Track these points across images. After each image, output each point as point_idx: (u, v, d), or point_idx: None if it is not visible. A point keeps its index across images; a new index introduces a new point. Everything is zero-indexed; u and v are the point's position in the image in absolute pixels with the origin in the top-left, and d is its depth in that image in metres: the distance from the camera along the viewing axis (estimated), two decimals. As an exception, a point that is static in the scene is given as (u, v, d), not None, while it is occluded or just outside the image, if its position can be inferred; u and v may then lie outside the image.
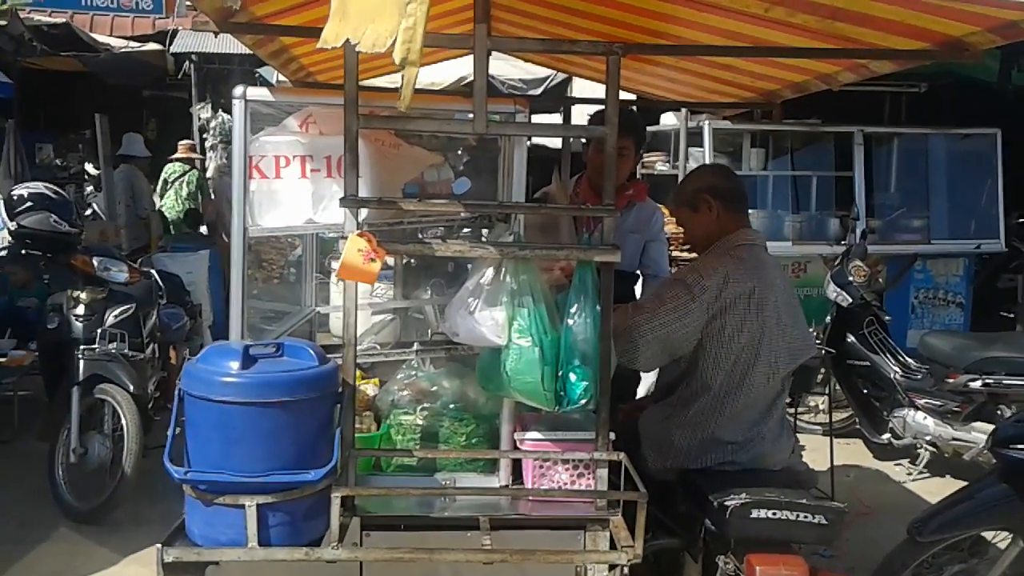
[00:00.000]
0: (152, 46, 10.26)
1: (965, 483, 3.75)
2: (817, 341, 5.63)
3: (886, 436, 5.84)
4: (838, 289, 5.95)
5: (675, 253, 6.59)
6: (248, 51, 3.60)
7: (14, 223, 5.74)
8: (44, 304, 5.30)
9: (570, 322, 2.62)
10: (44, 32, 8.38)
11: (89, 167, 11.39)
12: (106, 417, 4.85)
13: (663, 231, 4.39)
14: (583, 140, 4.41)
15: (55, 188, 5.95)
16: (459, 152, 4.22)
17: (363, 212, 2.63)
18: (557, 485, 2.82)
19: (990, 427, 5.00)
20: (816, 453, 5.13)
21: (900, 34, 2.68)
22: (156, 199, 9.99)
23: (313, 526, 2.51)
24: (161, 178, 10.03)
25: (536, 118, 5.48)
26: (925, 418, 5.56)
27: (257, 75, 9.48)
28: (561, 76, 8.10)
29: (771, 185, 7.86)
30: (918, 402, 5.59)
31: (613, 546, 2.63)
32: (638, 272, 4.27)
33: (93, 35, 9.51)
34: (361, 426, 2.91)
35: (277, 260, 7.65)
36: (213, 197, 10.02)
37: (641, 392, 4.37)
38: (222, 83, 10.57)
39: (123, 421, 4.71)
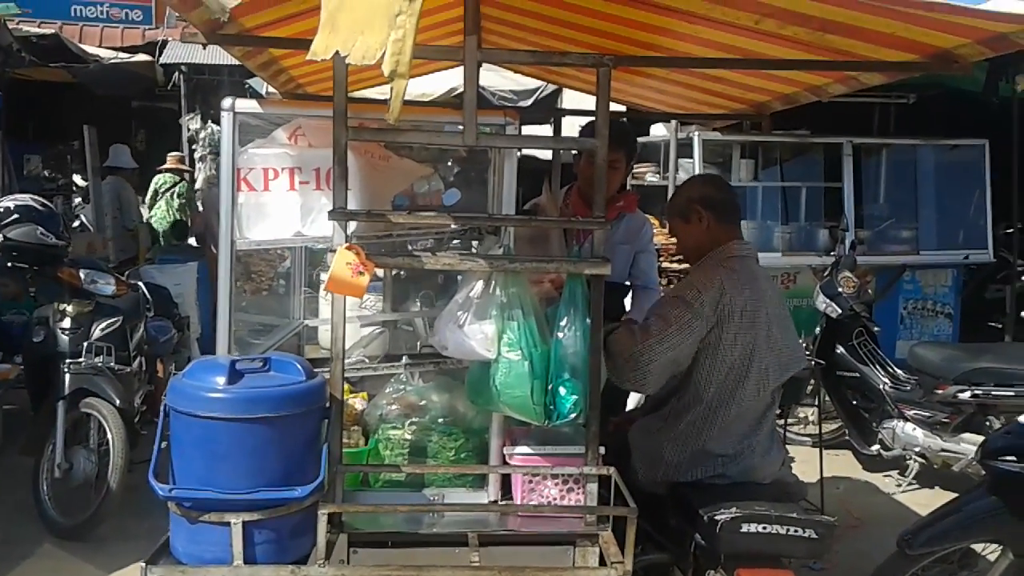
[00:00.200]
0: (141, 57, 10.22)
1: (954, 494, 3.74)
2: (806, 352, 5.63)
3: (875, 447, 5.85)
4: (827, 300, 5.96)
5: (665, 264, 6.58)
6: (238, 62, 3.58)
7: (0, 235, 5.69)
8: (31, 317, 5.26)
9: (560, 335, 2.61)
10: (32, 43, 8.33)
11: (77, 178, 11.34)
12: (92, 431, 4.80)
13: (653, 242, 4.39)
14: (574, 152, 4.41)
15: (42, 200, 5.90)
16: (449, 163, 4.20)
17: (352, 224, 2.62)
18: (547, 500, 2.80)
19: (979, 438, 5.01)
20: (806, 464, 5.11)
21: (890, 46, 2.69)
22: (144, 210, 9.94)
23: (300, 543, 2.49)
24: (151, 189, 9.99)
25: (526, 129, 5.48)
26: (914, 429, 5.56)
27: (247, 86, 9.45)
28: (552, 87, 8.11)
29: (760, 196, 7.87)
30: (907, 413, 5.59)
31: (603, 562, 2.61)
32: (628, 283, 4.26)
33: (82, 46, 9.47)
34: (349, 441, 2.89)
35: (266, 272, 7.60)
36: (201, 209, 9.98)
37: (631, 404, 4.35)
38: (212, 94, 10.55)
39: (109, 435, 4.67)
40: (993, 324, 8.29)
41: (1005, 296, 7.91)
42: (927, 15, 2.28)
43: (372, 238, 2.94)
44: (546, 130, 6.82)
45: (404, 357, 3.39)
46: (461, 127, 2.54)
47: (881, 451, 5.80)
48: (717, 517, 2.72)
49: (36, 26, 9.56)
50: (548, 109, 8.03)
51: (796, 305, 7.03)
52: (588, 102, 4.51)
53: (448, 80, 7.19)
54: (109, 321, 5.04)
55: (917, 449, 5.57)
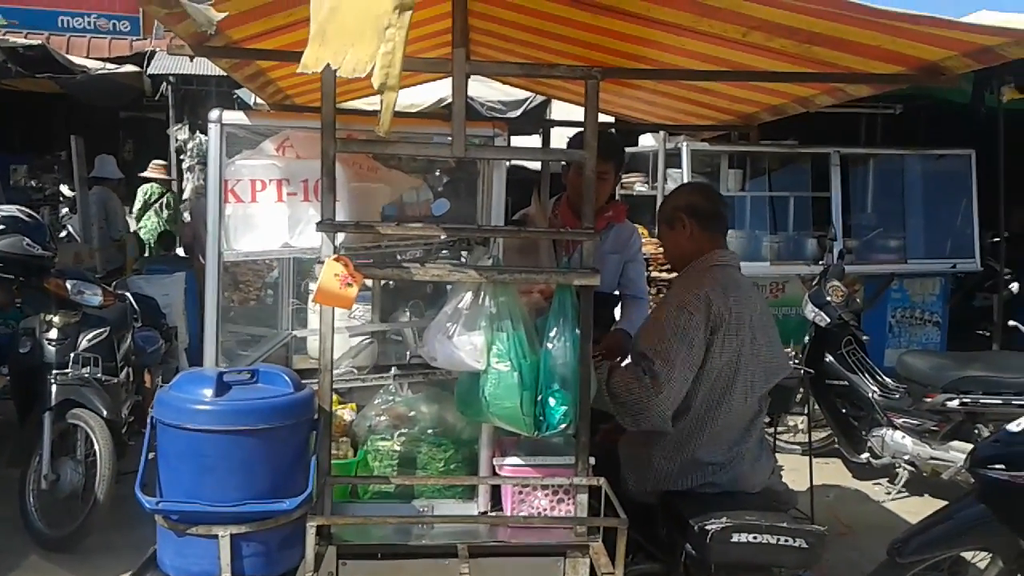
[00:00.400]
0: (129, 68, 10.18)
1: (944, 502, 3.76)
2: (796, 361, 5.65)
3: (865, 455, 5.86)
4: (816, 309, 5.98)
5: (655, 274, 6.60)
6: (226, 73, 3.58)
7: (-14, 246, 5.65)
8: (17, 328, 5.22)
9: (549, 346, 2.60)
10: (19, 54, 8.29)
11: (64, 188, 11.28)
12: (79, 443, 4.77)
13: (642, 252, 4.41)
14: (563, 162, 4.42)
15: (28, 211, 5.87)
16: (437, 173, 4.21)
17: (340, 236, 2.61)
18: (537, 511, 2.79)
19: (968, 446, 5.03)
20: (795, 473, 5.12)
21: (877, 58, 2.70)
22: (132, 221, 9.90)
23: (288, 556, 2.47)
24: (138, 199, 9.95)
25: (515, 140, 5.49)
26: (903, 437, 5.58)
27: (235, 96, 9.43)
28: (540, 98, 8.13)
29: (749, 206, 7.90)
30: (896, 421, 5.61)
31: (593, 573, 2.61)
32: (617, 293, 4.27)
33: (70, 57, 9.43)
34: (337, 452, 2.88)
35: (254, 282, 7.59)
36: (189, 219, 9.95)
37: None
38: (200, 104, 10.51)
39: (96, 447, 4.64)
40: (981, 332, 8.33)
41: (992, 304, 7.95)
42: (913, 28, 2.30)
43: (361, 249, 2.94)
44: (535, 141, 6.84)
45: (393, 368, 3.37)
46: (450, 138, 2.54)
47: (870, 459, 5.82)
48: (708, 527, 2.72)
49: (23, 37, 9.53)
50: (537, 120, 8.05)
51: (785, 314, 7.05)
52: (577, 113, 4.51)
53: (437, 91, 7.20)
54: (96, 332, 5.02)
55: (906, 457, 5.58)
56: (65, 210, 10.86)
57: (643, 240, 4.50)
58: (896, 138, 9.09)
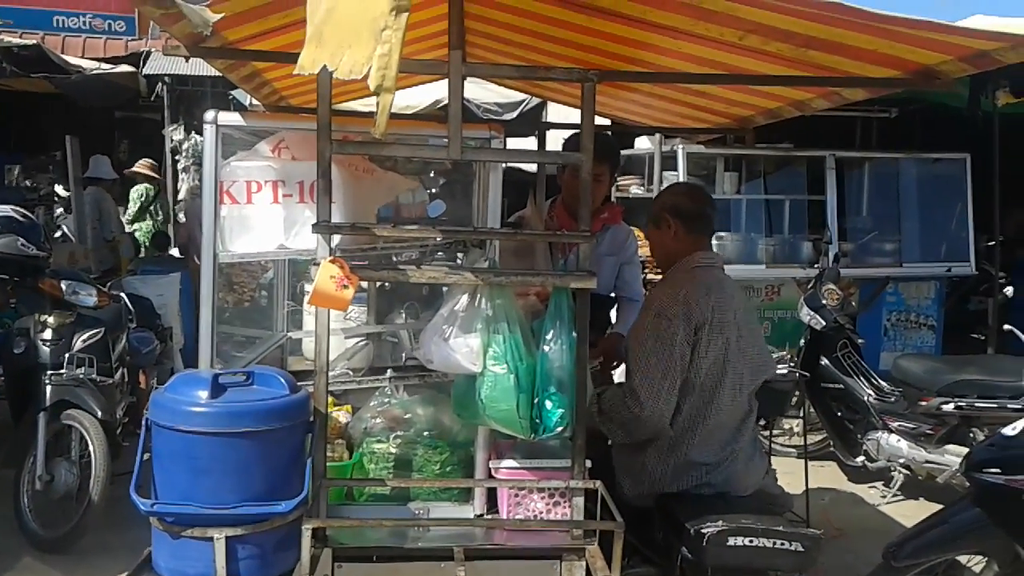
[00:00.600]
0: (124, 68, 10.16)
1: (939, 505, 3.76)
2: (791, 364, 5.65)
3: (860, 459, 5.86)
4: (811, 312, 5.97)
5: (651, 276, 6.59)
6: (222, 74, 3.58)
7: (-20, 246, 5.64)
8: (11, 328, 5.21)
9: (546, 348, 2.60)
10: (14, 53, 8.27)
11: (59, 189, 11.25)
12: (73, 443, 4.75)
13: (637, 254, 4.41)
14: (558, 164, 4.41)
15: (23, 211, 5.85)
16: (433, 175, 4.20)
17: (336, 237, 2.61)
18: (533, 514, 2.79)
19: (963, 449, 5.04)
20: (791, 476, 5.11)
21: (873, 62, 2.70)
22: (125, 221, 9.87)
23: (283, 558, 2.47)
24: (133, 200, 9.93)
25: (511, 142, 5.48)
26: (899, 441, 5.58)
27: (231, 97, 9.42)
28: (537, 100, 8.13)
29: (744, 209, 7.90)
30: (892, 425, 5.61)
31: (589, 576, 2.60)
32: (613, 295, 4.27)
33: (65, 56, 9.41)
34: (333, 455, 2.87)
35: (248, 283, 7.57)
36: (184, 219, 9.93)
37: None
38: (195, 105, 10.50)
39: (91, 447, 4.62)
40: (976, 336, 8.33)
41: (987, 308, 7.96)
42: (909, 32, 2.30)
43: (356, 251, 2.94)
44: (531, 143, 6.83)
45: (389, 370, 3.37)
46: (446, 140, 2.53)
47: (866, 463, 5.82)
48: (704, 530, 2.72)
49: (18, 37, 9.50)
50: (533, 122, 8.05)
51: (780, 317, 7.05)
52: (573, 115, 4.52)
53: (433, 92, 7.19)
54: (91, 332, 5.00)
55: (901, 461, 5.59)
56: (60, 210, 10.83)
57: (639, 242, 4.49)
58: (891, 142, 9.09)
